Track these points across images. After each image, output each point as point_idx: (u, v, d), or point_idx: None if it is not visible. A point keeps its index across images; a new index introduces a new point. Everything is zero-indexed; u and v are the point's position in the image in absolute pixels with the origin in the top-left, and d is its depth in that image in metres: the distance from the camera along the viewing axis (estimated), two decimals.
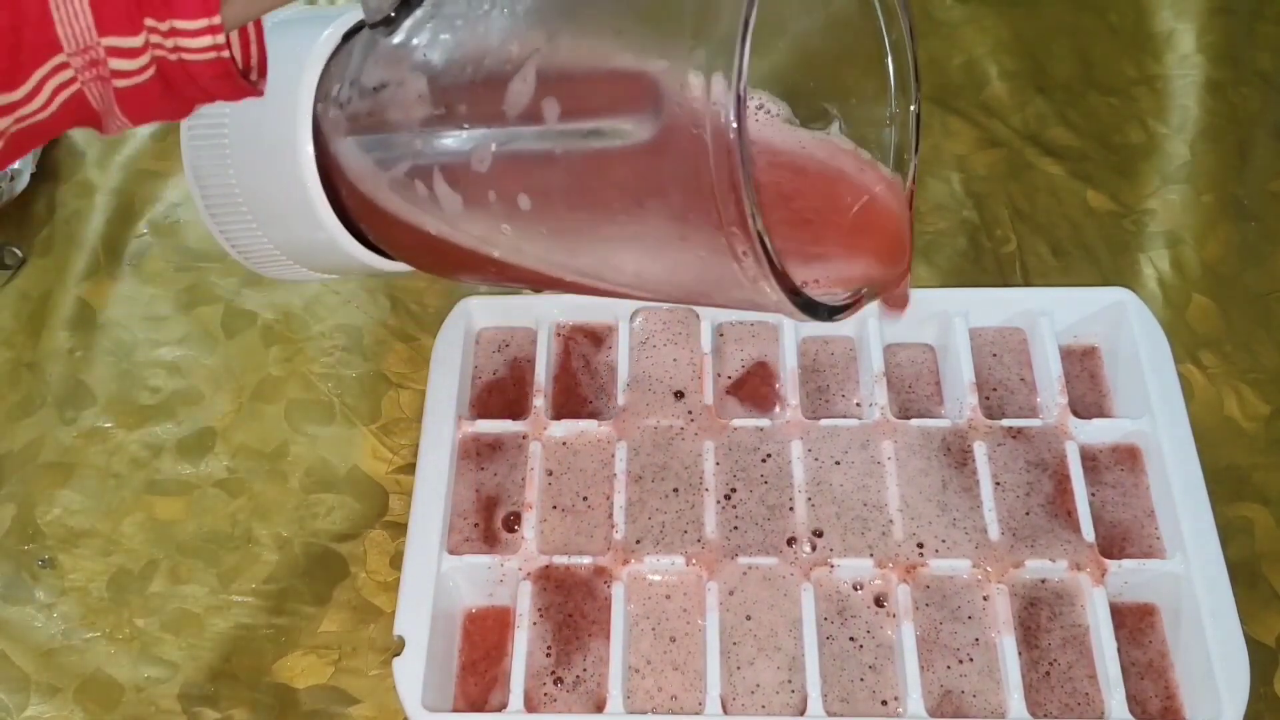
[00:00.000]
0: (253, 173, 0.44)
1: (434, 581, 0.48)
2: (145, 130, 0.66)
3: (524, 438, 0.53)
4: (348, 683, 0.50)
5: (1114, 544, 0.50)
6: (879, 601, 0.49)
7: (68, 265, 0.61)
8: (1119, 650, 0.47)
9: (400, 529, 0.51)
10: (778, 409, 0.53)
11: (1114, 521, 0.51)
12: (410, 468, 0.53)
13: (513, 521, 0.51)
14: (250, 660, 0.50)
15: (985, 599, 0.48)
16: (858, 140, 0.41)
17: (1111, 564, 0.48)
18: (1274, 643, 0.49)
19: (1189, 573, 0.48)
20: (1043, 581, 0.49)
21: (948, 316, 0.55)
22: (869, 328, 0.54)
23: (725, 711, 0.46)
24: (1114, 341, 0.55)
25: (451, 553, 0.50)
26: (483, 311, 0.56)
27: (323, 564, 0.52)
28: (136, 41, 0.37)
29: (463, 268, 0.44)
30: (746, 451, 0.52)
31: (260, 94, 0.41)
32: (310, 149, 0.42)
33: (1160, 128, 0.64)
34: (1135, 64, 0.66)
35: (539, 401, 0.53)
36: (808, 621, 0.47)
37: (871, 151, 0.41)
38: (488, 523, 0.51)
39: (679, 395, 0.53)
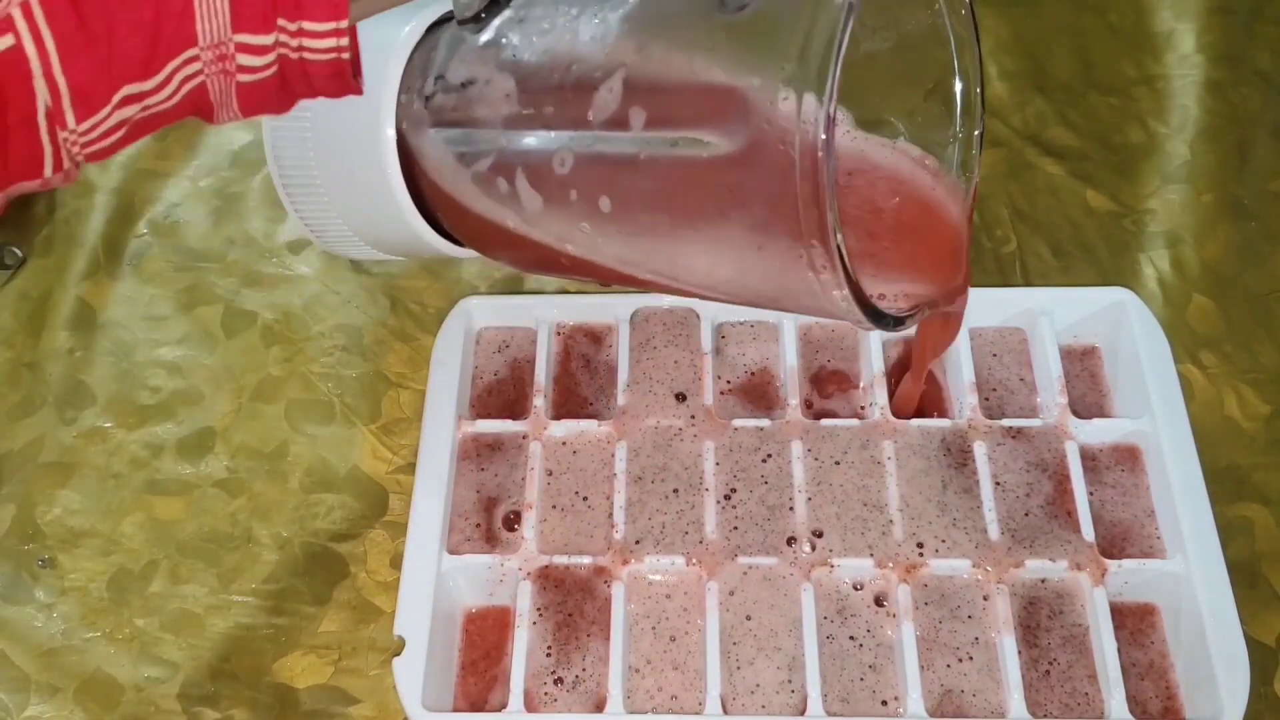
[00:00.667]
0: (333, 156, 0.46)
1: (434, 581, 0.48)
2: None
3: (524, 438, 0.53)
4: (348, 683, 0.50)
5: (1114, 544, 0.50)
6: (879, 601, 0.49)
7: (68, 265, 0.61)
8: (1119, 650, 0.47)
9: (400, 529, 0.51)
10: (778, 410, 0.53)
11: (1114, 521, 0.51)
12: (410, 468, 0.53)
13: (513, 521, 0.51)
14: (250, 660, 0.50)
15: (985, 599, 0.48)
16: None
17: (1111, 564, 0.48)
18: (1274, 643, 0.49)
19: (1189, 573, 0.48)
20: (1043, 581, 0.49)
21: None
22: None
23: (725, 711, 0.46)
24: (1114, 341, 0.55)
25: (452, 553, 0.50)
26: (483, 312, 0.56)
27: (323, 564, 0.53)
28: (267, 40, 0.39)
29: (534, 261, 0.46)
30: (747, 452, 0.52)
31: (360, 93, 0.43)
32: (393, 136, 0.44)
33: (1160, 128, 0.64)
34: (1135, 64, 0.66)
35: (539, 401, 0.53)
36: (808, 621, 0.47)
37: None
38: (488, 523, 0.51)
39: (680, 397, 0.53)
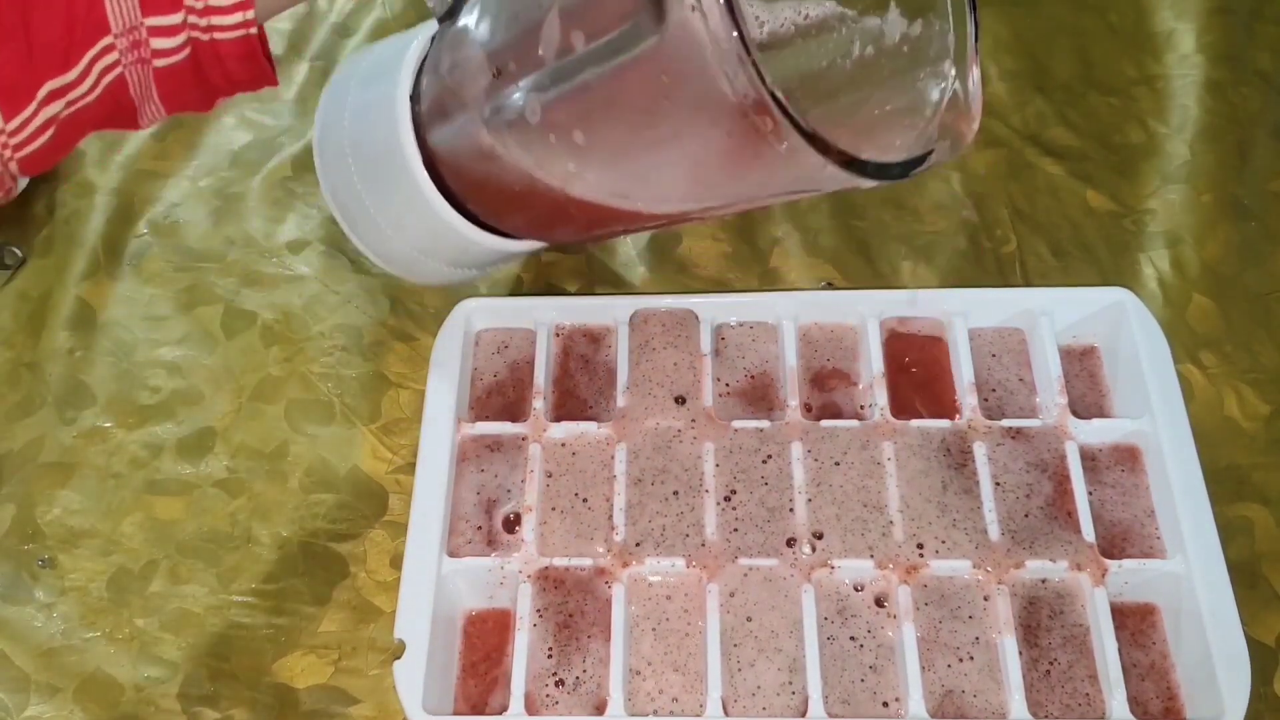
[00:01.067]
0: (375, 183, 0.49)
1: (434, 584, 0.48)
2: (146, 130, 0.66)
3: (524, 439, 0.53)
4: (348, 683, 0.50)
5: (1114, 544, 0.50)
6: (879, 602, 0.49)
7: (68, 265, 0.61)
8: (1120, 651, 0.47)
9: (400, 529, 0.51)
10: (777, 411, 0.53)
11: (1114, 521, 0.51)
12: (410, 467, 0.53)
13: (513, 523, 0.51)
14: (250, 660, 0.50)
15: (986, 599, 0.48)
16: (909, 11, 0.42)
17: (1112, 564, 0.48)
18: (1274, 642, 0.49)
19: (1189, 573, 0.48)
20: (1043, 582, 0.49)
21: (948, 316, 0.55)
22: (870, 327, 0.54)
23: (726, 713, 0.46)
24: (1114, 341, 0.55)
25: (452, 555, 0.49)
26: (482, 313, 0.56)
27: (323, 564, 0.53)
28: (176, 19, 0.40)
29: (558, 222, 0.47)
30: (747, 453, 0.52)
31: (276, 82, 0.44)
32: (412, 143, 0.46)
33: (1160, 128, 0.64)
34: (1135, 64, 0.66)
35: (538, 403, 0.53)
36: (808, 623, 0.47)
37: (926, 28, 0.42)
38: (488, 525, 0.51)
39: (680, 400, 0.53)
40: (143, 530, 0.54)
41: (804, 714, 0.46)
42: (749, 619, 0.48)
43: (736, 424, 0.52)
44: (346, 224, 0.51)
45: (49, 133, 0.39)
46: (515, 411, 0.54)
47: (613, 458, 0.52)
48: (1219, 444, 0.53)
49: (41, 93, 0.38)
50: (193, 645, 0.51)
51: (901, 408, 0.53)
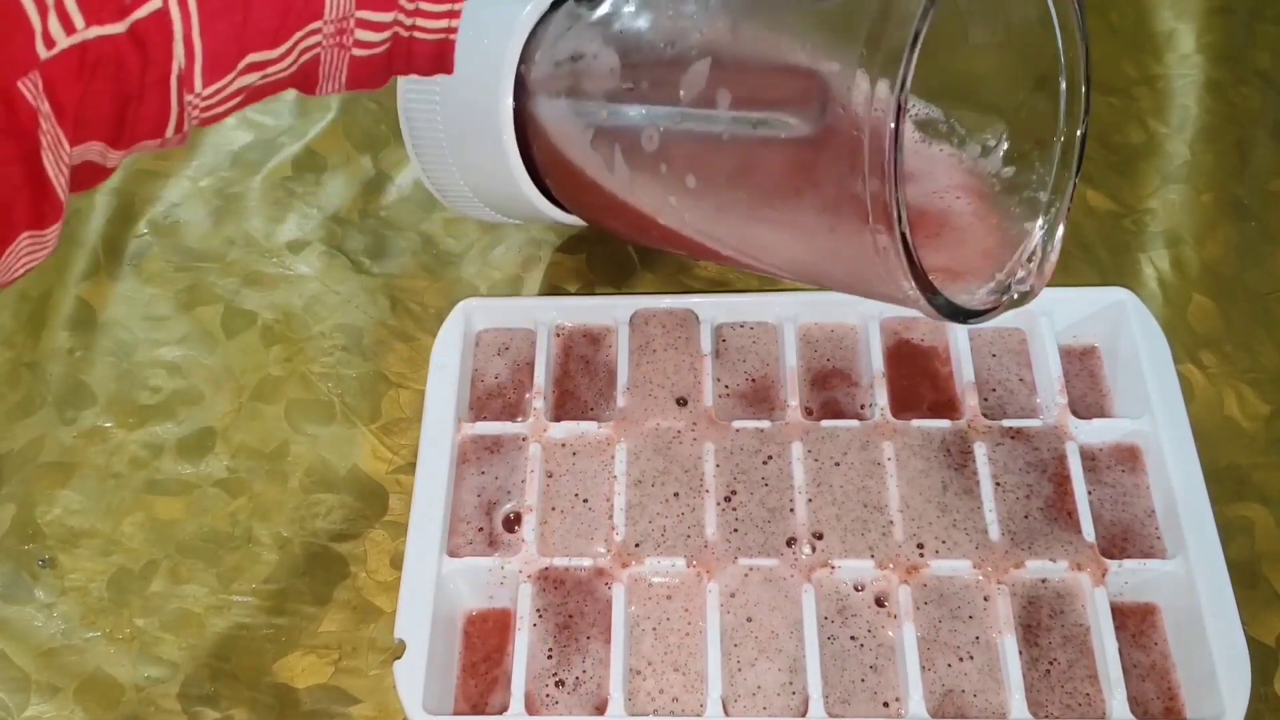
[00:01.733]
0: (459, 122, 0.50)
1: (434, 584, 0.48)
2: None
3: (523, 439, 0.53)
4: (348, 683, 0.50)
5: (1114, 544, 0.50)
6: (880, 602, 0.49)
7: (68, 265, 0.61)
8: (1121, 651, 0.47)
9: (400, 529, 0.51)
10: (777, 412, 0.53)
11: (1114, 521, 0.51)
12: (410, 467, 0.53)
13: (513, 523, 0.51)
14: (250, 660, 0.50)
15: (986, 599, 0.48)
16: (1017, 152, 0.43)
17: (1112, 564, 0.48)
18: (1274, 642, 0.49)
19: (1189, 573, 0.48)
20: (1043, 582, 0.49)
21: None
22: (869, 328, 0.54)
23: (726, 713, 0.46)
24: (1114, 341, 0.55)
25: (452, 555, 0.50)
26: (482, 313, 0.56)
27: (323, 564, 0.53)
28: (387, 17, 0.41)
29: (630, 229, 0.48)
30: (747, 454, 0.52)
31: (451, 71, 0.45)
32: (510, 106, 0.47)
33: (1160, 128, 0.64)
34: (1135, 64, 0.66)
35: (539, 403, 0.53)
36: (809, 623, 0.47)
37: (1027, 167, 0.43)
38: (488, 525, 0.51)
39: (681, 402, 0.53)
40: (143, 530, 0.54)
41: (804, 714, 0.46)
42: (749, 619, 0.48)
43: (737, 424, 0.52)
44: (411, 135, 0.52)
45: (237, 99, 0.40)
46: (515, 412, 0.54)
47: (613, 458, 0.52)
48: (1219, 444, 0.53)
49: (242, 64, 0.38)
50: (193, 645, 0.51)
51: (902, 408, 0.53)
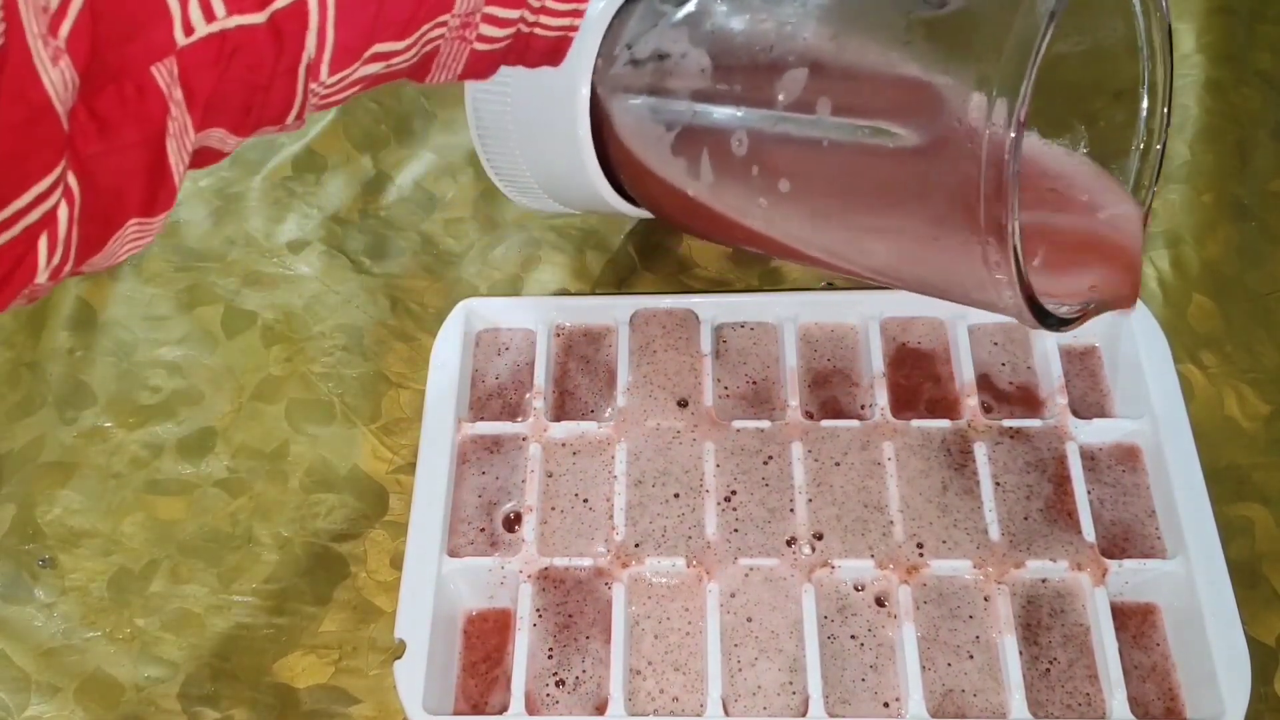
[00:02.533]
0: (530, 109, 0.48)
1: (434, 584, 0.48)
2: None
3: (524, 439, 0.53)
4: (348, 683, 0.50)
5: (1114, 544, 0.50)
6: (880, 602, 0.49)
7: None
8: (1121, 652, 0.47)
9: (400, 529, 0.51)
10: (780, 413, 0.53)
11: (1114, 521, 0.51)
12: (410, 467, 0.53)
13: (513, 523, 0.51)
14: (250, 660, 0.50)
15: (986, 599, 0.48)
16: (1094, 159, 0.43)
17: (1112, 564, 0.48)
18: (1274, 643, 0.49)
19: (1189, 573, 0.48)
20: (1043, 581, 0.49)
21: (948, 317, 0.55)
22: (870, 328, 0.54)
23: (726, 713, 0.46)
24: (1114, 341, 0.55)
25: (452, 555, 0.50)
26: (482, 313, 0.56)
27: (323, 564, 0.53)
28: (513, 14, 0.41)
29: (707, 229, 0.48)
30: (748, 454, 0.52)
31: (558, 65, 0.45)
32: (587, 96, 0.46)
33: None
34: None
35: (538, 403, 0.53)
36: (809, 623, 0.47)
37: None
38: (488, 525, 0.51)
39: (683, 403, 0.53)
40: (143, 530, 0.54)
41: (804, 714, 0.46)
42: (749, 619, 0.48)
43: (737, 424, 0.52)
44: (477, 123, 0.51)
45: (356, 87, 0.40)
46: (515, 411, 0.54)
47: (613, 458, 0.52)
48: (1219, 444, 0.53)
49: (368, 54, 0.39)
50: (193, 645, 0.51)
51: (902, 408, 0.53)
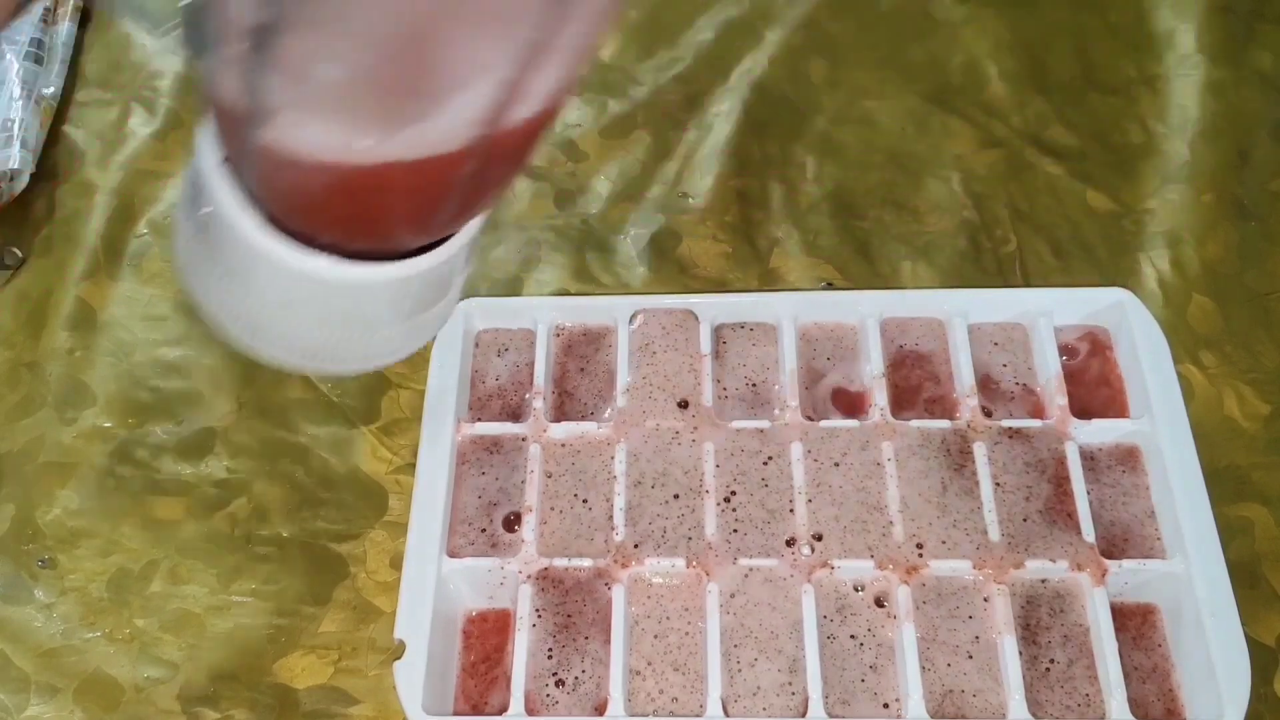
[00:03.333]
0: (225, 280, 0.39)
1: (434, 584, 0.48)
2: (145, 130, 0.66)
3: (523, 440, 0.53)
4: (348, 683, 0.50)
5: (1114, 544, 0.50)
6: (879, 602, 0.49)
7: (68, 265, 0.61)
8: (1121, 652, 0.47)
9: (400, 529, 0.51)
10: (777, 411, 0.53)
11: (1114, 521, 0.51)
12: (410, 468, 0.53)
13: (513, 523, 0.51)
14: (250, 660, 0.50)
15: (985, 599, 0.48)
16: None
17: (1112, 564, 0.48)
18: (1274, 643, 0.49)
19: (1189, 573, 0.48)
20: (1043, 582, 0.49)
21: (948, 316, 0.55)
22: (870, 328, 0.54)
23: (726, 713, 0.46)
24: (1114, 342, 0.55)
25: (452, 555, 0.50)
26: (482, 313, 0.56)
27: (323, 564, 0.52)
28: None
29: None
30: (747, 455, 0.52)
31: None
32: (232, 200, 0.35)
33: (1160, 128, 0.64)
34: (1135, 64, 0.66)
35: (538, 404, 0.53)
36: (808, 623, 0.47)
37: None
38: (488, 525, 0.51)
39: (683, 404, 0.53)
40: (143, 530, 0.54)
41: (804, 714, 0.46)
42: (749, 619, 0.48)
43: (736, 425, 0.52)
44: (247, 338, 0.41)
45: None
46: (515, 412, 0.54)
47: (613, 458, 0.52)
48: (1219, 444, 0.53)
49: None
50: (193, 645, 0.51)
51: (901, 408, 0.53)
